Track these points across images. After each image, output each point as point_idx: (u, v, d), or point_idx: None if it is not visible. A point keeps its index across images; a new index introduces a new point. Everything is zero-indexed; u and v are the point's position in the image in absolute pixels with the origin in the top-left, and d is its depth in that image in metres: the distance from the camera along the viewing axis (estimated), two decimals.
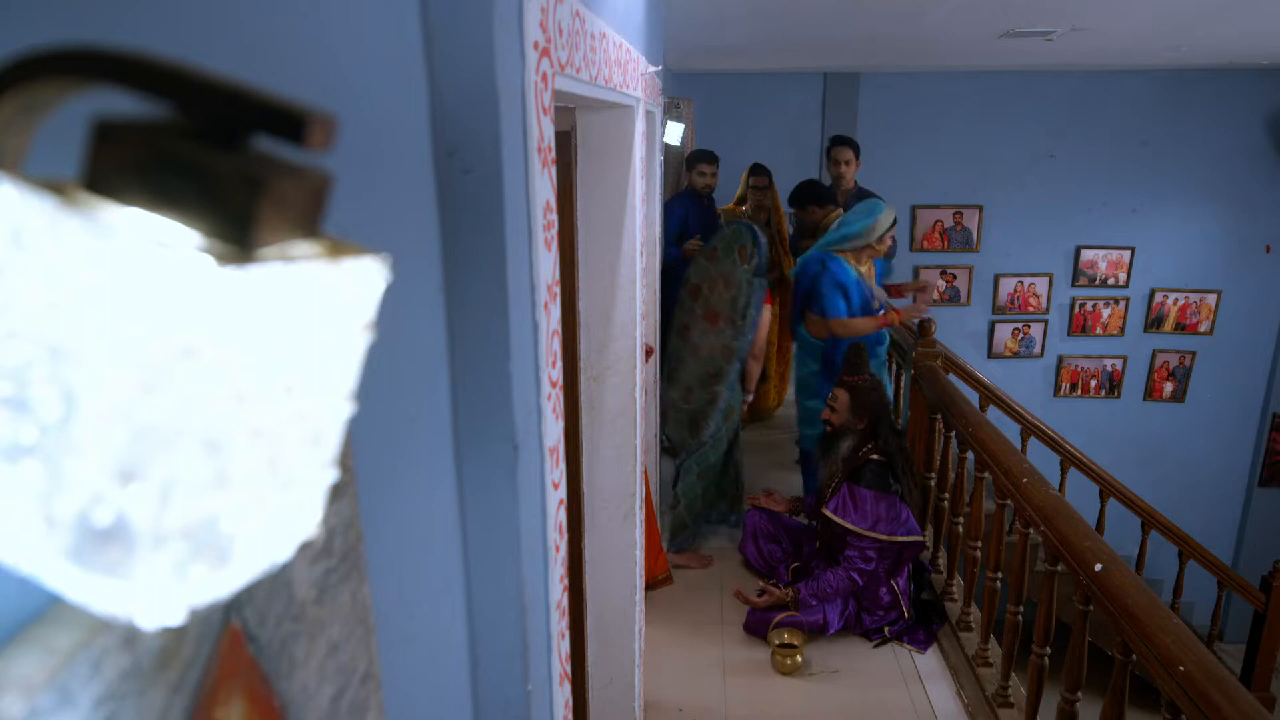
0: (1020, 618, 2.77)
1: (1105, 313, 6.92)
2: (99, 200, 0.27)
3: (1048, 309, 6.96)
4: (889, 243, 3.73)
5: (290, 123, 0.28)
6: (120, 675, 0.39)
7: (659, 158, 3.73)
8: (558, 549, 1.26)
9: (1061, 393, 7.05)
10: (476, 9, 0.88)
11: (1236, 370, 6.87)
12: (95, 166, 0.28)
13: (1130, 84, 6.50)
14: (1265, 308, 6.78)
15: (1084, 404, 7.04)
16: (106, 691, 0.37)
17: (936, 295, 6.87)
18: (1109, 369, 6.99)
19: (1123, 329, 6.92)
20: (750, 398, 4.10)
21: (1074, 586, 2.30)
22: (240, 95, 0.28)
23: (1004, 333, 7.00)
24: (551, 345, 1.19)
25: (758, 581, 3.56)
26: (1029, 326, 6.98)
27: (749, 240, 3.76)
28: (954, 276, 6.94)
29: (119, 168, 0.27)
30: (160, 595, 0.27)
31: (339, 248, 0.31)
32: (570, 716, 1.40)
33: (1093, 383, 7.03)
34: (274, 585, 0.54)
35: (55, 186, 0.27)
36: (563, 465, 1.26)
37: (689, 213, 4.70)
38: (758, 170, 4.88)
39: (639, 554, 2.53)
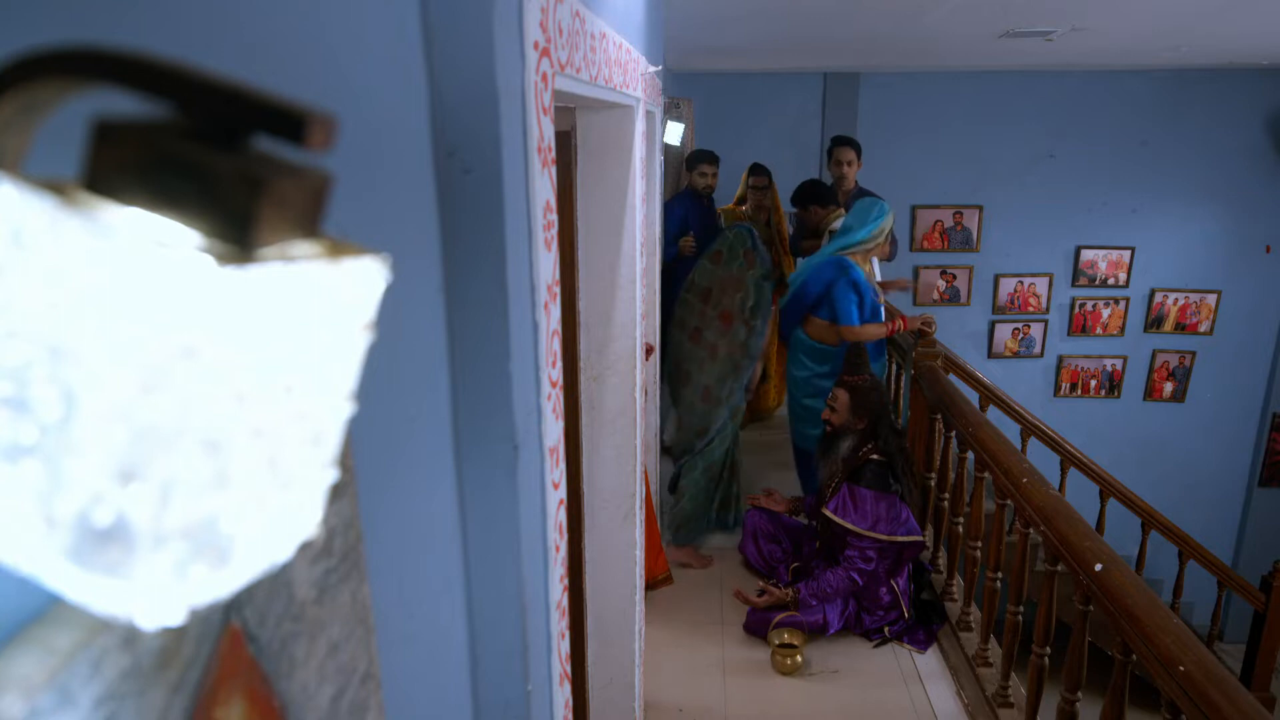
0: (1020, 618, 2.77)
1: (1105, 313, 6.92)
2: (99, 200, 0.27)
3: (1048, 309, 6.95)
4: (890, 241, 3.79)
5: (290, 123, 0.28)
6: (120, 675, 0.38)
7: (659, 158, 3.74)
8: (558, 549, 1.26)
9: (1061, 393, 7.05)
10: (476, 9, 0.88)
11: (1236, 370, 6.86)
12: (95, 166, 0.28)
13: (1130, 84, 6.49)
14: (1265, 308, 6.78)
15: (1084, 404, 7.04)
16: (106, 691, 0.37)
17: (936, 295, 6.90)
18: (1109, 369, 6.99)
19: (1123, 329, 6.92)
20: (750, 397, 4.11)
21: (1074, 586, 2.30)
22: (240, 95, 0.28)
23: (1004, 333, 7.00)
24: (551, 345, 1.19)
25: (758, 581, 3.56)
26: (1029, 326, 6.97)
27: (751, 244, 3.81)
28: (954, 276, 6.94)
29: (119, 168, 0.27)
30: (160, 595, 0.27)
31: (339, 248, 0.31)
32: (570, 716, 1.40)
33: (1093, 383, 7.02)
34: (274, 585, 0.54)
35: (55, 186, 0.27)
36: (563, 465, 1.26)
37: (689, 213, 4.70)
38: (758, 170, 4.88)
39: (639, 554, 2.53)
